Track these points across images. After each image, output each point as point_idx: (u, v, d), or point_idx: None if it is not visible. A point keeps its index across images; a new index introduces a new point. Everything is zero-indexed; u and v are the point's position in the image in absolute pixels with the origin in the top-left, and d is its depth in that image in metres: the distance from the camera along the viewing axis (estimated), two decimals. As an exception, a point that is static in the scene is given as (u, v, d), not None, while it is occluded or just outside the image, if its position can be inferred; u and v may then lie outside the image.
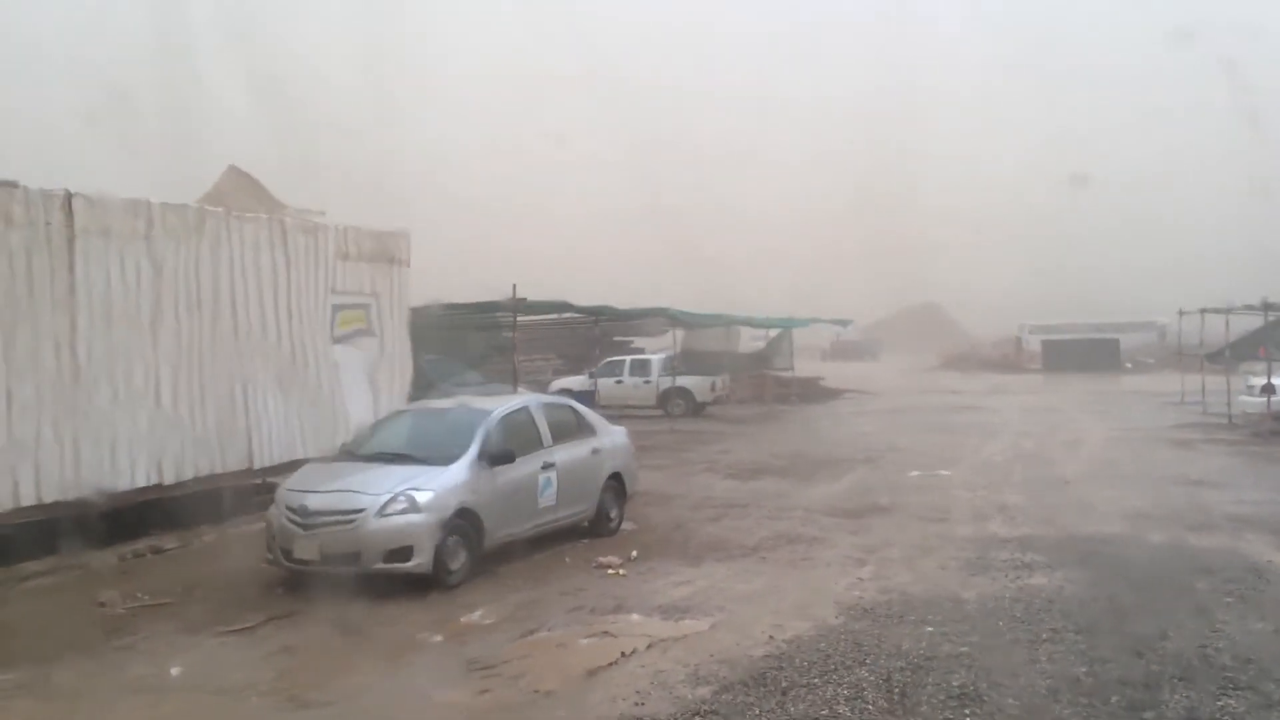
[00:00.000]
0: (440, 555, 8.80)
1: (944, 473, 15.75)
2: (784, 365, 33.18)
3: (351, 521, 8.73)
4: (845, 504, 13.08)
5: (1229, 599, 8.00)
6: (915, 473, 15.86)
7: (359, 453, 10.02)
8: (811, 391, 34.07)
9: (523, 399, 11.70)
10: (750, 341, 34.80)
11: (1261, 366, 21.81)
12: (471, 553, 9.13)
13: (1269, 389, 20.62)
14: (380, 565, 8.69)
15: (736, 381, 30.40)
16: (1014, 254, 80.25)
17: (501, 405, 10.55)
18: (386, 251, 14.03)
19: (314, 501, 8.94)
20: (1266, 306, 21.90)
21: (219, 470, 11.58)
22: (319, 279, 13.03)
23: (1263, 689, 6.04)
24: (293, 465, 11.22)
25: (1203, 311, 26.06)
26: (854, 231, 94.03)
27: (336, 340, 13.27)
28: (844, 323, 39.37)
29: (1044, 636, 7.17)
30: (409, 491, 8.87)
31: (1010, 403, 30.80)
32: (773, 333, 33.33)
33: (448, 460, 9.33)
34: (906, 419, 25.75)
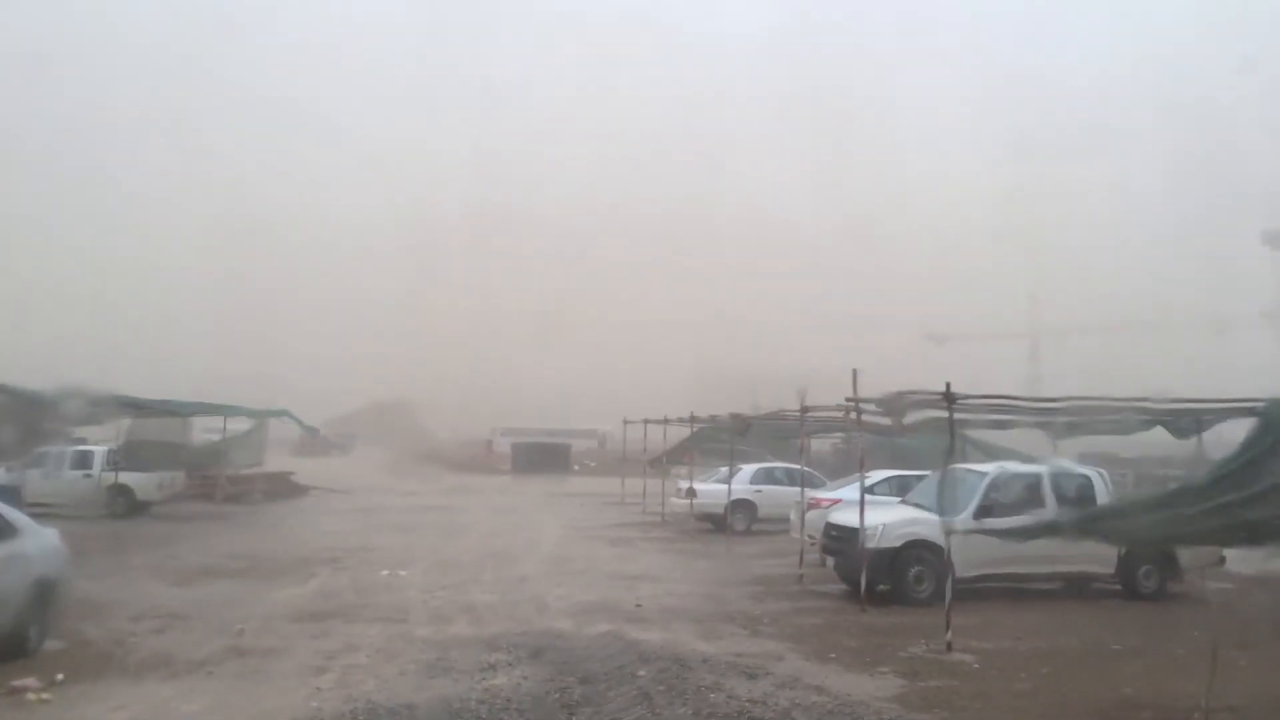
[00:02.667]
0: None
1: (403, 573, 15.79)
2: (252, 459, 31.31)
3: None
4: (307, 608, 12.60)
5: (661, 687, 8.87)
6: (385, 572, 15.76)
7: None
8: (279, 488, 32.55)
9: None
10: (203, 433, 32.33)
11: (688, 471, 24.93)
12: None
13: (691, 492, 23.55)
14: None
15: (191, 478, 28.05)
16: (481, 359, 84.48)
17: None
18: None
19: None
20: (694, 419, 25.12)
21: None
22: None
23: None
24: None
25: (645, 421, 29.31)
26: (319, 322, 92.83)
27: None
28: (311, 430, 37.85)
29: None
30: None
31: (477, 502, 31.90)
32: (238, 423, 31.26)
33: None
34: (377, 518, 25.57)
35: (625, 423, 32.00)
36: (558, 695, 8.56)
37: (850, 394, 13.35)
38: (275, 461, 34.16)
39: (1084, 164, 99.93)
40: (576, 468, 54.23)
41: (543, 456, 53.37)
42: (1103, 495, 14.07)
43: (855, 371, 13.28)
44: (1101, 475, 14.47)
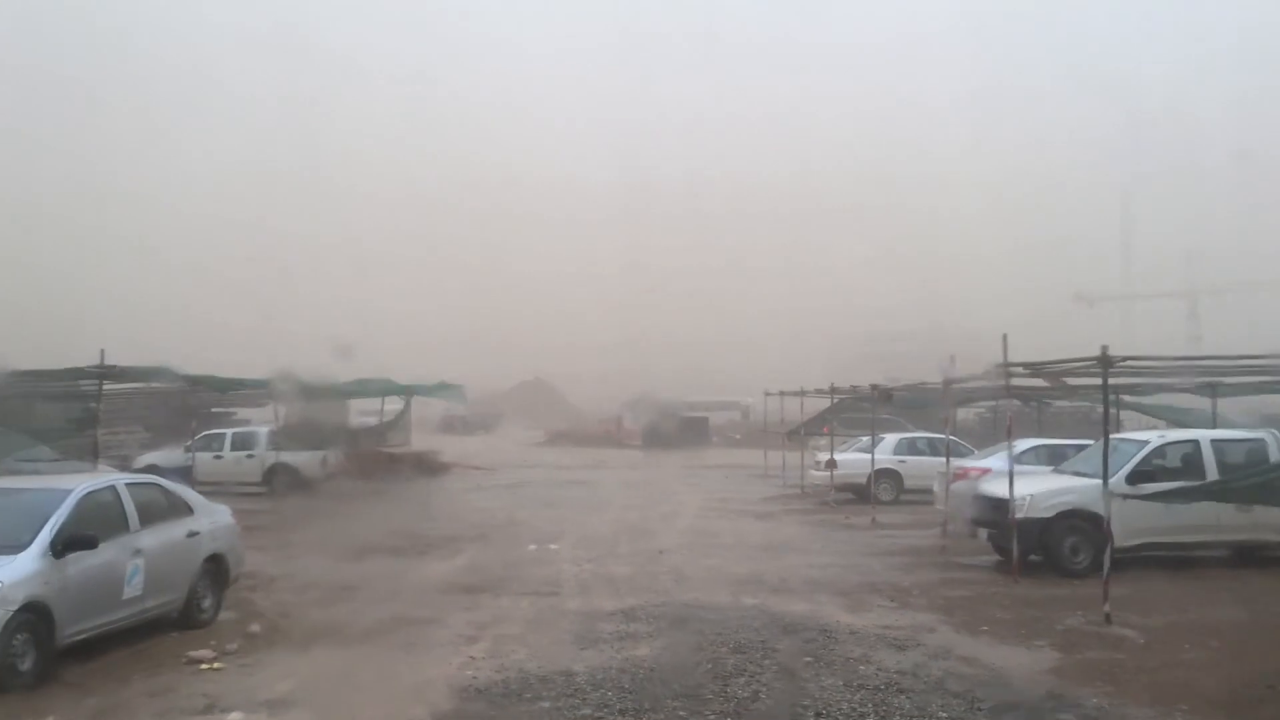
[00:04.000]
0: (5, 656, 7.65)
1: (554, 547, 16.16)
2: (401, 439, 32.50)
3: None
4: (460, 581, 13.02)
5: (808, 658, 8.85)
6: (532, 546, 16.15)
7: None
8: (427, 466, 33.64)
9: (109, 477, 10.57)
10: (360, 415, 33.72)
11: (827, 442, 24.64)
12: (42, 652, 8.02)
13: (831, 463, 23.29)
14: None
15: (349, 456, 29.25)
16: (616, 334, 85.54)
17: (82, 483, 9.45)
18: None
19: None
20: (833, 390, 24.80)
21: None
22: None
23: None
24: None
25: (781, 394, 29.12)
26: (475, 304, 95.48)
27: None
28: (460, 394, 39.27)
29: (647, 706, 7.52)
30: (-38, 585, 7.67)
31: (615, 477, 32.31)
32: (390, 404, 32.52)
33: (14, 548, 8.19)
34: (519, 494, 26.20)
35: (766, 395, 31.81)
36: (709, 666, 8.62)
37: (998, 359, 12.97)
38: (420, 441, 35.29)
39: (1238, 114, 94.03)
40: (715, 440, 54.21)
41: (679, 429, 53.51)
42: (1278, 457, 13.27)
43: (1005, 336, 12.88)
44: (1276, 437, 13.64)
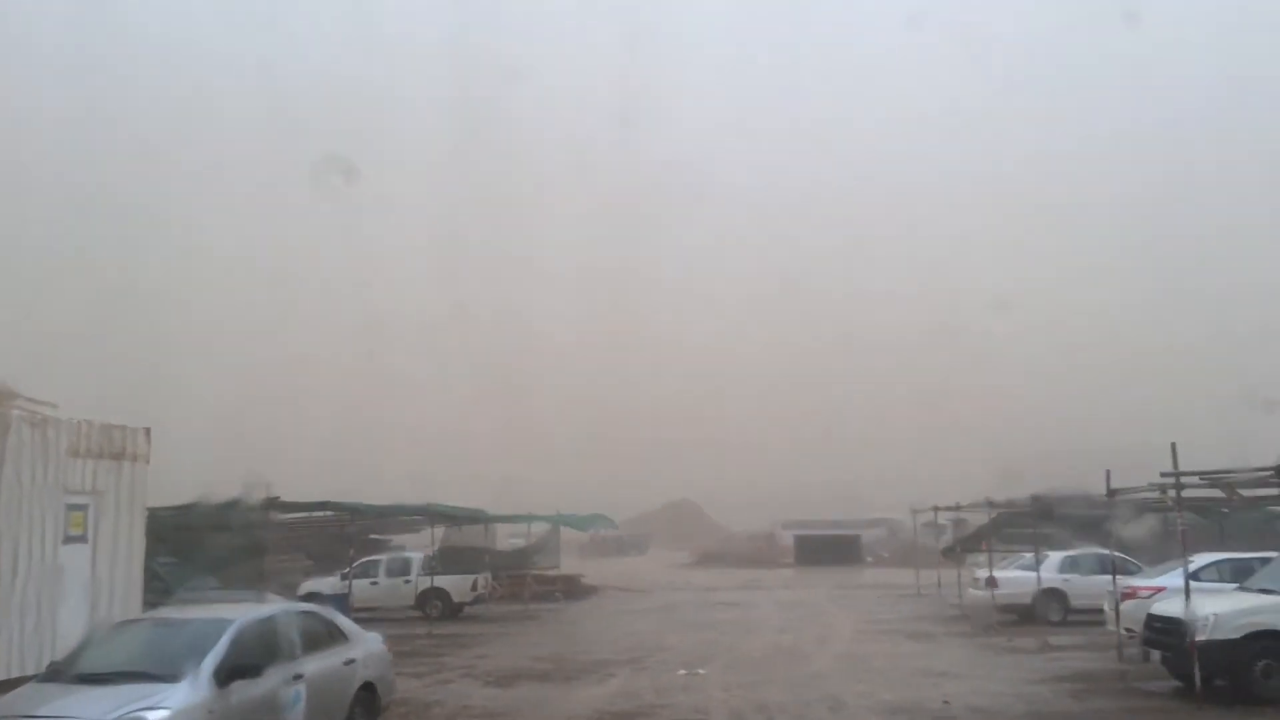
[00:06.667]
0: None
1: (702, 671, 15.82)
2: (549, 562, 32.83)
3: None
4: (609, 708, 12.85)
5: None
6: (682, 671, 15.87)
7: (75, 670, 8.98)
8: (574, 589, 33.77)
9: (270, 606, 10.93)
10: (508, 539, 34.29)
11: (984, 560, 23.61)
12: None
13: (992, 582, 22.26)
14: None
15: (497, 580, 29.69)
16: (762, 457, 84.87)
17: (245, 613, 9.82)
18: (117, 447, 13.17)
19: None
20: (990, 504, 23.88)
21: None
22: (47, 475, 12.00)
23: None
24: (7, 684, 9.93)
25: (935, 509, 28.19)
26: (614, 429, 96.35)
27: (66, 541, 12.17)
28: (610, 524, 39.62)
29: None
30: (136, 714, 8.00)
31: (766, 598, 31.61)
32: (535, 528, 33.00)
33: (180, 676, 8.52)
34: (670, 616, 25.92)
35: (914, 511, 30.90)
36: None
37: (1167, 469, 12.31)
38: (568, 564, 35.55)
39: None
40: (869, 559, 52.74)
41: (829, 547, 52.39)
42: None
43: (1174, 445, 12.24)
44: None
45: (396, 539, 32.54)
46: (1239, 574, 15.17)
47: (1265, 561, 14.95)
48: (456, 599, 26.72)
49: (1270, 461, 10.02)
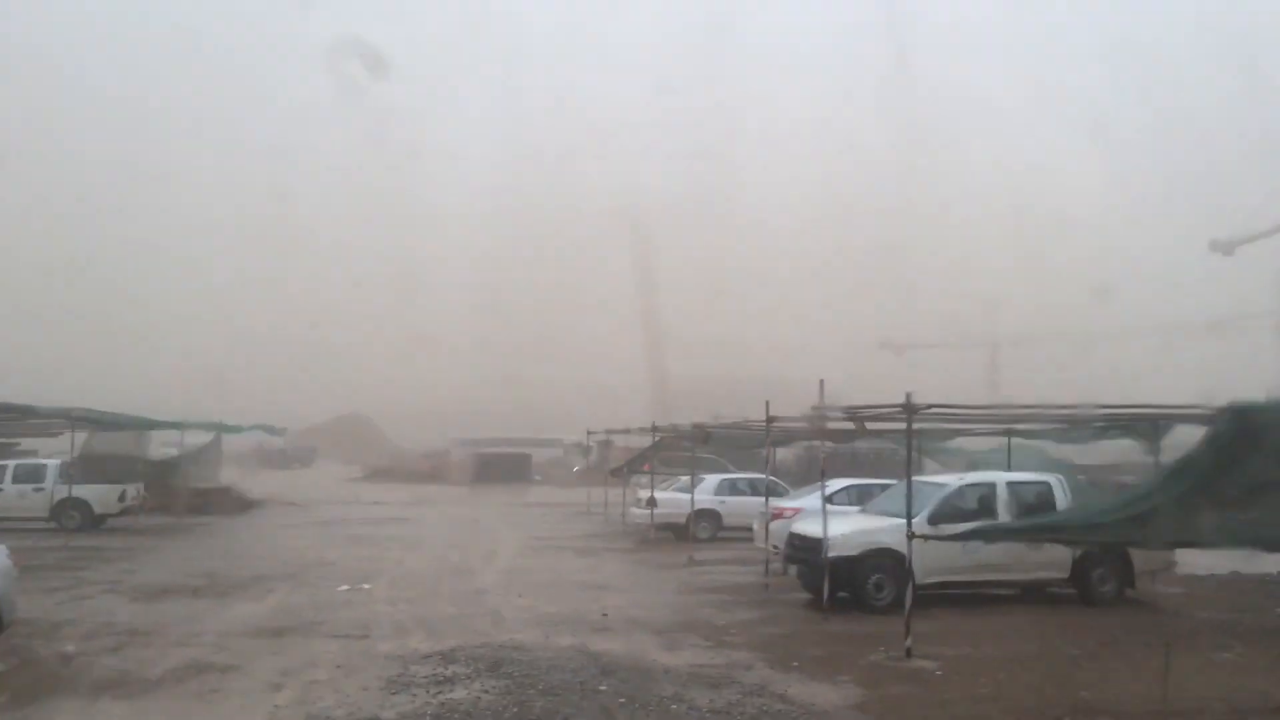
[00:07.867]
0: None
1: (366, 586, 15.66)
2: (208, 474, 30.98)
3: None
4: (265, 625, 12.42)
5: (622, 700, 8.85)
6: (344, 587, 15.59)
7: None
8: (236, 502, 32.13)
9: None
10: (161, 446, 31.99)
11: (648, 480, 24.92)
12: None
13: (652, 501, 23.55)
14: None
15: (150, 491, 27.61)
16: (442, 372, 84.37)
17: None
18: None
19: None
20: (655, 429, 25.10)
21: None
22: None
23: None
24: None
25: (607, 431, 29.33)
26: (284, 336, 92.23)
27: None
28: (279, 431, 38.04)
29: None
30: None
31: (436, 513, 31.67)
32: (193, 437, 30.98)
33: None
34: (335, 531, 25.36)
35: (589, 433, 32.03)
36: (516, 709, 8.50)
37: (814, 402, 13.45)
38: (229, 475, 33.86)
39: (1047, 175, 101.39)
40: (538, 477, 54.10)
41: (503, 467, 53.29)
42: (1062, 500, 14.23)
43: (822, 381, 13.38)
44: (1060, 481, 14.63)
45: (28, 443, 29.46)
46: (864, 498, 17.02)
47: (885, 487, 16.86)
48: (99, 510, 24.67)
49: (899, 399, 11.20)
